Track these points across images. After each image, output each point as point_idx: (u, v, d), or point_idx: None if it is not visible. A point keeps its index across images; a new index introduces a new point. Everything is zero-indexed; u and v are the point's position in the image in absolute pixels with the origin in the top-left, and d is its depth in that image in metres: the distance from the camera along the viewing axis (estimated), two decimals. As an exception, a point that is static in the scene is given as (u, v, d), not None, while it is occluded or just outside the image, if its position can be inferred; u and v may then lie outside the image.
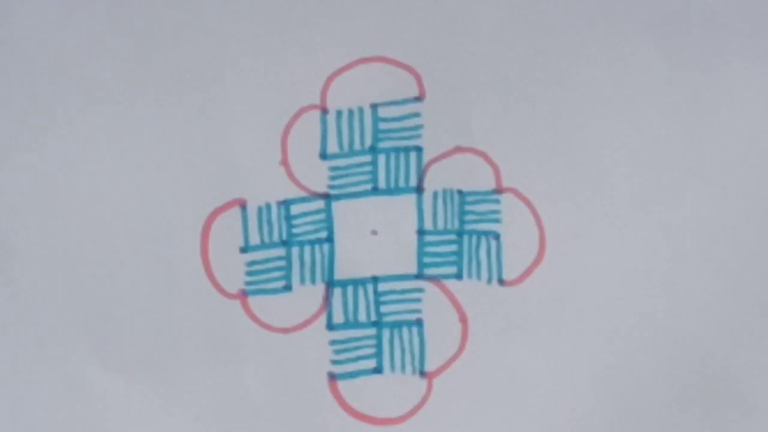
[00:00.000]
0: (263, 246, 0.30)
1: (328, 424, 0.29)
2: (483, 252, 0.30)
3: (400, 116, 0.30)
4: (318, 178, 0.30)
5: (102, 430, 0.29)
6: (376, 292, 0.30)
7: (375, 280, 0.30)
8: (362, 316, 0.30)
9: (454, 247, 0.30)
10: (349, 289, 0.30)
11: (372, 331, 0.30)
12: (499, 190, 0.30)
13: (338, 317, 0.30)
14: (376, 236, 0.30)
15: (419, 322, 0.30)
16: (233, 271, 0.30)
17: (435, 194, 0.30)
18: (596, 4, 0.30)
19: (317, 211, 0.30)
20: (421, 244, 0.30)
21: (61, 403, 0.29)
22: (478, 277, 0.30)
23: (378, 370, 0.30)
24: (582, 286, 0.30)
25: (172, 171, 0.29)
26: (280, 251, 0.30)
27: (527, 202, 0.30)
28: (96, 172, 0.29)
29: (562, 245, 0.30)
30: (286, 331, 0.30)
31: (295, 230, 0.30)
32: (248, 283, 0.30)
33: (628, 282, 0.30)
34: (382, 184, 0.30)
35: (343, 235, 0.30)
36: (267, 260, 0.30)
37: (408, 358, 0.30)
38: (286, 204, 0.30)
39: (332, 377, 0.30)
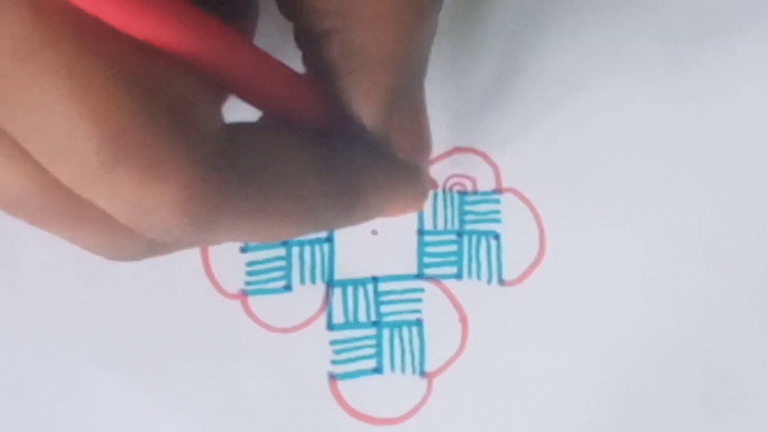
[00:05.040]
0: (263, 246, 0.30)
1: (328, 424, 0.29)
2: (483, 252, 0.30)
3: (399, 116, 0.30)
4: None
5: (101, 430, 0.29)
6: (376, 292, 0.30)
7: (375, 280, 0.30)
8: (362, 316, 0.30)
9: (454, 247, 0.30)
10: (349, 289, 0.30)
11: (372, 331, 0.30)
12: (499, 190, 0.30)
13: (338, 317, 0.30)
14: (376, 236, 0.30)
15: (419, 322, 0.30)
16: (233, 271, 0.30)
17: (435, 194, 0.30)
18: (596, 3, 0.30)
19: (317, 211, 0.30)
20: (421, 244, 0.30)
21: (60, 403, 0.29)
22: (478, 277, 0.30)
23: (378, 370, 0.30)
24: (582, 286, 0.30)
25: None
26: (280, 251, 0.30)
27: (527, 202, 0.30)
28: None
29: (562, 245, 0.30)
30: (286, 331, 0.30)
31: (294, 230, 0.30)
32: (248, 283, 0.30)
33: (629, 282, 0.30)
34: (382, 184, 0.30)
35: (343, 235, 0.30)
36: (267, 260, 0.30)
37: (408, 358, 0.30)
38: (285, 204, 0.30)
39: (332, 377, 0.30)
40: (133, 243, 0.21)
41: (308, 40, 0.23)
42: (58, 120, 0.17)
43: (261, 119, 0.23)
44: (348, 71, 0.23)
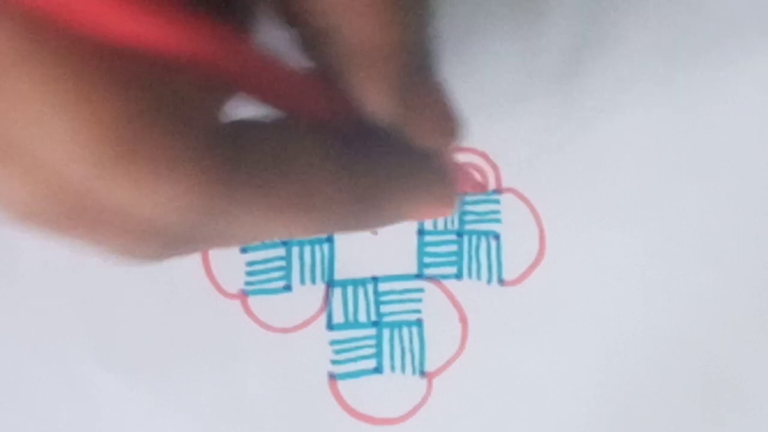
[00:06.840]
0: (263, 246, 0.30)
1: (328, 424, 0.29)
2: (483, 252, 0.30)
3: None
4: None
5: (102, 430, 0.29)
6: (376, 292, 0.30)
7: (375, 280, 0.30)
8: (362, 316, 0.30)
9: (454, 247, 0.30)
10: (349, 289, 0.30)
11: (372, 331, 0.30)
12: (499, 190, 0.30)
13: (338, 317, 0.30)
14: (376, 236, 0.30)
15: (419, 322, 0.30)
16: (233, 271, 0.30)
17: (435, 194, 0.30)
18: (595, 5, 0.30)
19: (317, 211, 0.30)
20: (421, 244, 0.30)
21: (60, 403, 0.29)
22: (478, 277, 0.30)
23: (378, 370, 0.30)
24: (582, 286, 0.30)
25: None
26: (280, 251, 0.30)
27: (527, 202, 0.30)
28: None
29: (562, 245, 0.30)
30: (286, 331, 0.30)
31: (295, 230, 0.30)
32: (248, 283, 0.30)
33: (628, 282, 0.30)
34: (382, 184, 0.30)
35: (343, 235, 0.30)
36: (267, 260, 0.30)
37: (408, 358, 0.30)
38: (285, 204, 0.30)
39: (332, 377, 0.30)
40: (149, 242, 0.22)
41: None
42: (59, 128, 0.18)
43: (271, 117, 0.23)
44: (350, 67, 0.23)
